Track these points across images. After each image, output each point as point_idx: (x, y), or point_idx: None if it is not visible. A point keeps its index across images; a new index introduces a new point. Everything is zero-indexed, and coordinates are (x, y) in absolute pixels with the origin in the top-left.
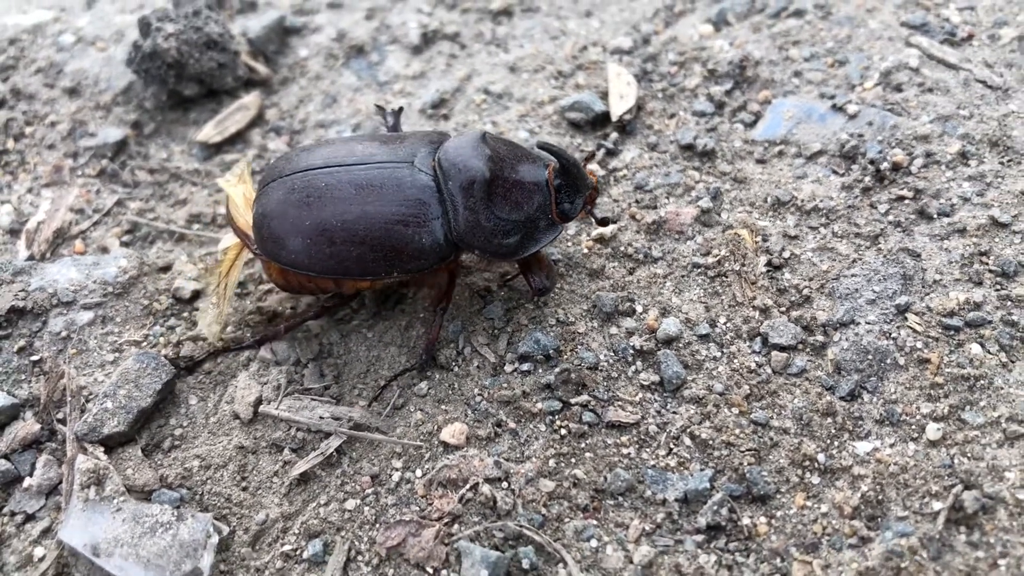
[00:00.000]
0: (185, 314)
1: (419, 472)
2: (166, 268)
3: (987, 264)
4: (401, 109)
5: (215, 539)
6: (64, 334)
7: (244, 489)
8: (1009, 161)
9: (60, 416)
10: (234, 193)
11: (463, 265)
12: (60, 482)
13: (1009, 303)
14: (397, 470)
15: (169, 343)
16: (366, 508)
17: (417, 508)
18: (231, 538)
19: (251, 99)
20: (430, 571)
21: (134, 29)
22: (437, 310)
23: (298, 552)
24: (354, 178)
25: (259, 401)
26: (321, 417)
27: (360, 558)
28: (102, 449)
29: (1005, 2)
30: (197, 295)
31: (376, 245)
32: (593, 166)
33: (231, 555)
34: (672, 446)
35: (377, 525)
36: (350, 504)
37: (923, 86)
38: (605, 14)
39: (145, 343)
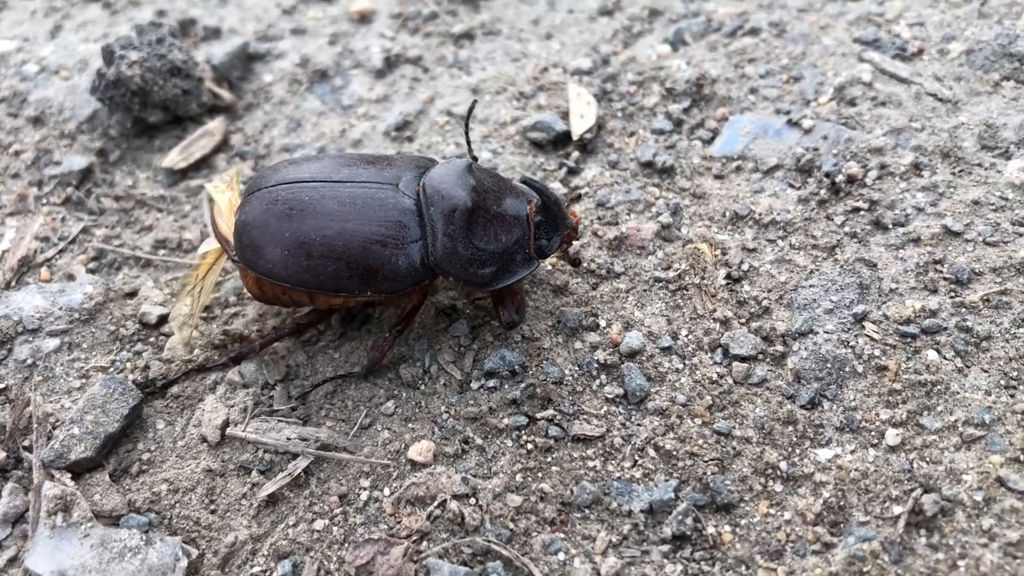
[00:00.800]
0: (152, 339)
1: (387, 491)
2: (132, 294)
3: (941, 272)
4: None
5: (184, 562)
6: (30, 361)
7: (213, 512)
8: (960, 171)
9: (26, 443)
10: (220, 199)
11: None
12: (26, 510)
13: (963, 310)
14: (365, 489)
15: (136, 368)
16: (335, 528)
17: (386, 526)
18: (200, 561)
19: (216, 125)
20: None
21: (98, 58)
22: (393, 331)
23: (268, 573)
24: (338, 195)
25: (226, 424)
26: (288, 438)
27: None
28: (69, 475)
29: (953, 18)
30: (164, 320)
31: (353, 263)
32: (577, 207)
33: None
34: (637, 458)
35: (346, 544)
36: (319, 524)
37: (876, 100)
38: (565, 36)
39: (112, 368)
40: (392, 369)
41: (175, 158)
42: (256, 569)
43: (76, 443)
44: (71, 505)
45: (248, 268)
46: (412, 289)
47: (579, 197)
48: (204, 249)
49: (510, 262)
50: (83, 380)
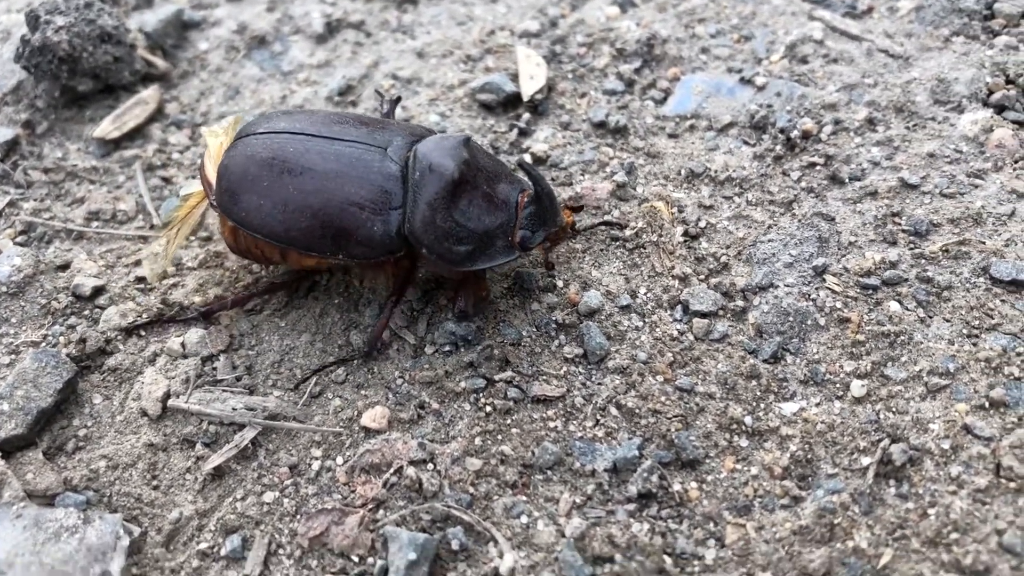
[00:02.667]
0: (87, 312)
1: (340, 459)
2: (64, 266)
3: (900, 224)
4: (399, 99)
5: (125, 541)
6: None
7: (155, 488)
8: (914, 125)
9: None
10: (212, 143)
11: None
12: None
13: (923, 261)
14: (316, 459)
15: (71, 341)
16: (285, 500)
17: (339, 496)
18: (143, 539)
19: (150, 93)
20: (355, 559)
21: (21, 27)
22: (388, 302)
23: (215, 549)
24: (323, 150)
25: (168, 396)
26: (234, 408)
27: (281, 551)
28: None
29: None
30: (99, 292)
31: (327, 222)
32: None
33: (144, 557)
34: (599, 417)
35: (298, 516)
36: (268, 497)
37: (828, 57)
38: None
39: (44, 343)
40: (342, 336)
41: (107, 128)
42: (203, 545)
43: (5, 420)
44: (1, 485)
45: (224, 213)
46: (386, 259)
47: (581, 203)
48: (187, 191)
49: (489, 246)
50: (12, 356)
